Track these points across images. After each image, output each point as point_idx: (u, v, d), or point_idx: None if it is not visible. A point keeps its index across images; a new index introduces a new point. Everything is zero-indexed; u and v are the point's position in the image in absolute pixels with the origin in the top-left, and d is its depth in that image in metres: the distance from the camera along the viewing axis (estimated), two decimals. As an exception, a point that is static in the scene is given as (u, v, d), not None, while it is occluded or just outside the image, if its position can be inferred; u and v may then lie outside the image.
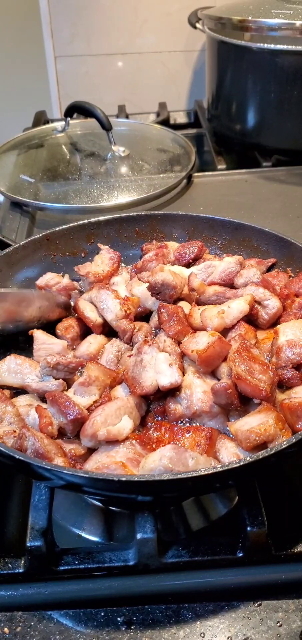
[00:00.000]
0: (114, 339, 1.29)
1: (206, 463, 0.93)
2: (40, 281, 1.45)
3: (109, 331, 1.33)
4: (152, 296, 1.35)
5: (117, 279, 1.48)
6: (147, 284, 1.36)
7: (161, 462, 0.92)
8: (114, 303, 1.30)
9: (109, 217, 1.65)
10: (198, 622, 0.91)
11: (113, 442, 1.01)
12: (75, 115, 2.40)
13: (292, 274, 1.44)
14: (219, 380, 1.11)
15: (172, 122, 2.85)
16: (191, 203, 2.03)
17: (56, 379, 1.16)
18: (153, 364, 1.13)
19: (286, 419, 1.02)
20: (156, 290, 1.33)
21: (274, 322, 1.28)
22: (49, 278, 1.45)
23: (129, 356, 1.18)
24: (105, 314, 1.32)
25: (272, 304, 1.27)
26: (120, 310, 1.29)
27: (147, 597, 0.94)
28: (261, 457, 0.88)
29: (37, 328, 1.29)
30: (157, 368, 1.11)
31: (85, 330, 1.36)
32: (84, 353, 1.26)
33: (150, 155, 2.26)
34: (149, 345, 1.15)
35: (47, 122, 2.78)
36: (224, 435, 1.04)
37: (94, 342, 1.29)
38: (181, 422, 1.09)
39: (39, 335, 1.27)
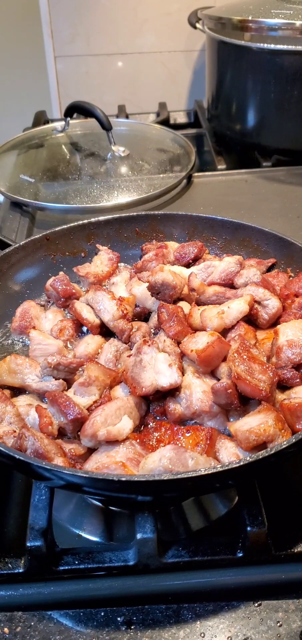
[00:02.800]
0: (112, 338, 1.29)
1: (205, 463, 0.93)
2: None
3: (106, 332, 1.34)
4: (152, 296, 1.35)
5: (117, 279, 1.49)
6: (147, 284, 1.36)
7: (161, 462, 0.92)
8: (110, 304, 1.30)
9: (109, 217, 1.65)
10: (198, 622, 0.91)
11: (113, 442, 1.01)
12: (75, 115, 2.40)
13: (292, 274, 1.44)
14: (218, 380, 1.11)
15: (172, 122, 2.85)
16: (191, 203, 2.03)
17: (56, 379, 1.16)
18: (153, 364, 1.13)
19: (286, 419, 1.02)
20: (155, 290, 1.33)
21: (274, 322, 1.28)
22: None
23: (129, 356, 1.18)
24: (102, 315, 1.32)
25: (272, 304, 1.27)
26: (117, 311, 1.29)
27: (147, 597, 0.94)
28: (260, 457, 0.88)
29: None
30: (157, 368, 1.11)
31: (81, 332, 1.37)
32: (82, 353, 1.26)
33: (150, 155, 2.26)
34: (149, 346, 1.15)
35: (47, 122, 2.78)
36: (224, 435, 1.04)
37: (92, 342, 1.29)
38: (181, 422, 1.10)
39: (35, 335, 1.27)
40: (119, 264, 1.55)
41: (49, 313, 1.41)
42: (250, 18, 2.14)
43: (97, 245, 1.59)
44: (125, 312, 1.29)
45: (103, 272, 1.50)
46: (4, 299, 1.44)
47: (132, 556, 0.94)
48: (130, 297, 1.36)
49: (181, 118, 2.93)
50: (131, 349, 1.23)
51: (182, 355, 1.17)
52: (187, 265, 1.51)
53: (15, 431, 1.04)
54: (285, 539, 0.96)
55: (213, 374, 1.14)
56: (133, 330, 1.29)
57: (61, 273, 1.48)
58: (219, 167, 2.31)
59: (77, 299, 1.41)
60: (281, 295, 1.32)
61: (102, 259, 1.53)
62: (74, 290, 1.42)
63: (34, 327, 1.35)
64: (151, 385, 1.09)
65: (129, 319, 1.30)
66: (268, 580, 0.95)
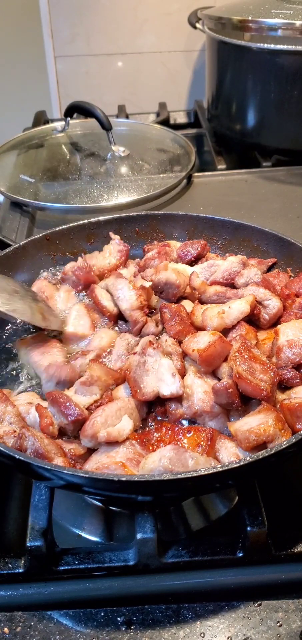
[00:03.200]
0: (123, 333, 1.29)
1: (205, 463, 0.93)
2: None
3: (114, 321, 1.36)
4: (155, 295, 1.35)
5: (124, 272, 1.48)
6: (150, 283, 1.36)
7: (161, 462, 0.92)
8: (130, 293, 1.30)
9: (109, 217, 1.65)
10: (198, 622, 0.91)
11: (113, 442, 1.01)
12: (75, 115, 2.40)
13: (293, 274, 1.44)
14: (219, 380, 1.11)
15: (172, 122, 2.85)
16: (191, 203, 2.03)
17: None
18: (156, 368, 1.12)
19: (286, 419, 1.02)
20: (159, 289, 1.34)
21: (275, 322, 1.28)
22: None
23: (133, 353, 1.18)
24: (120, 302, 1.32)
25: (273, 304, 1.27)
26: (136, 301, 1.29)
27: (147, 597, 0.94)
28: (260, 457, 0.88)
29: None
30: (160, 374, 1.11)
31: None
32: (96, 347, 1.26)
33: (150, 155, 2.26)
34: (154, 348, 1.15)
35: (47, 122, 2.78)
36: (224, 435, 1.04)
37: (105, 336, 1.29)
38: (182, 422, 1.10)
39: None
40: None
41: (61, 292, 1.43)
42: (250, 18, 2.14)
43: (110, 233, 1.58)
44: (143, 303, 1.29)
45: (110, 265, 1.50)
46: (4, 299, 1.44)
47: (132, 556, 0.94)
48: (149, 289, 1.35)
49: (181, 118, 2.92)
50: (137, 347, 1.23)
51: (184, 355, 1.17)
52: (190, 264, 1.50)
53: (15, 431, 1.04)
54: (285, 539, 0.96)
55: (214, 374, 1.14)
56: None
57: (80, 259, 1.48)
58: (219, 167, 2.31)
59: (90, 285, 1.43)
60: (282, 295, 1.32)
61: (112, 250, 1.53)
62: (94, 277, 1.45)
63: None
64: (152, 392, 1.09)
65: (145, 312, 1.29)
66: (268, 580, 0.95)
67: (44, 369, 1.18)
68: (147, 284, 1.38)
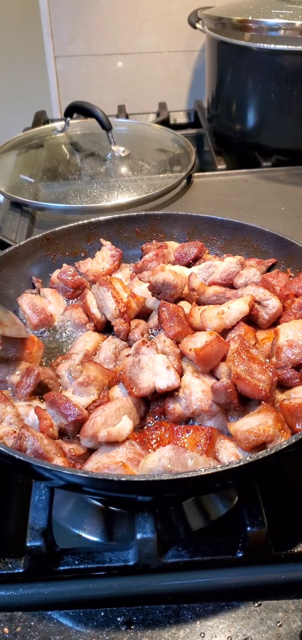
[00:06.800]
0: (110, 336, 1.29)
1: (205, 463, 0.93)
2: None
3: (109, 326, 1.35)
4: (153, 296, 1.35)
5: (118, 276, 1.49)
6: (147, 284, 1.36)
7: (160, 462, 0.92)
8: (110, 302, 1.30)
9: (109, 217, 1.66)
10: (198, 622, 0.91)
11: (113, 442, 1.01)
12: (75, 115, 2.40)
13: (292, 274, 1.44)
14: (218, 380, 1.11)
15: (172, 122, 2.85)
16: (191, 203, 2.03)
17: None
18: (151, 365, 1.12)
19: (286, 419, 1.02)
20: (156, 290, 1.33)
21: (274, 322, 1.28)
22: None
23: (127, 356, 1.18)
24: (104, 311, 1.33)
25: (272, 304, 1.27)
26: (115, 310, 1.29)
27: (147, 597, 0.94)
28: (260, 457, 0.88)
29: None
30: (155, 370, 1.11)
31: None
32: (81, 350, 1.26)
33: (150, 155, 2.26)
34: (148, 347, 1.15)
35: (47, 122, 2.78)
36: (224, 435, 1.04)
37: (89, 340, 1.29)
38: (181, 422, 1.10)
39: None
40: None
41: (48, 297, 1.43)
42: (250, 18, 2.14)
43: (101, 240, 1.59)
44: (123, 310, 1.29)
45: (104, 270, 1.50)
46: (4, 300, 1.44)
47: (132, 556, 0.94)
48: (141, 298, 1.35)
49: (181, 118, 2.93)
50: (130, 347, 1.22)
51: (182, 356, 1.17)
52: (188, 265, 1.50)
53: (15, 431, 1.04)
54: (285, 539, 0.96)
55: (213, 373, 1.14)
56: (131, 328, 1.29)
57: (65, 265, 1.48)
58: (219, 167, 2.31)
59: (84, 288, 1.43)
60: (281, 296, 1.32)
61: (105, 255, 1.53)
62: (83, 279, 1.45)
63: (51, 315, 1.39)
64: (148, 387, 1.09)
65: (126, 319, 1.29)
66: (268, 580, 0.95)
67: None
68: (143, 287, 1.38)
